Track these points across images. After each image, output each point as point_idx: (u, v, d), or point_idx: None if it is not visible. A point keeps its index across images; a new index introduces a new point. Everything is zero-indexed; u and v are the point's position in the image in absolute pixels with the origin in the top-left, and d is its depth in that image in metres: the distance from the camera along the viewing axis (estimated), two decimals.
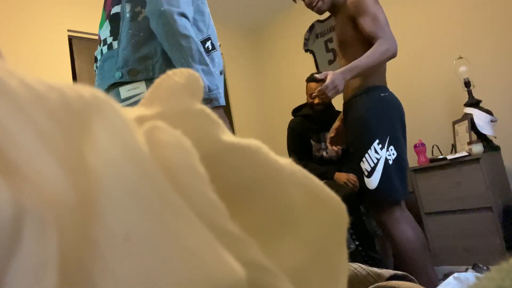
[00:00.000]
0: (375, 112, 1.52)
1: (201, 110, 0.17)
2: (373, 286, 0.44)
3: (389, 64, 2.92)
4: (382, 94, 1.54)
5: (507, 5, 2.33)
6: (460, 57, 2.40)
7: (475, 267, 1.67)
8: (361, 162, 1.53)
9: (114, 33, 1.08)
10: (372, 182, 1.49)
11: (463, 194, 2.02)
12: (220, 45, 1.26)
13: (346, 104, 1.67)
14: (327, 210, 0.18)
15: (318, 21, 3.36)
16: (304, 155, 2.41)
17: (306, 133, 2.45)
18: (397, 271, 0.47)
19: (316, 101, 2.35)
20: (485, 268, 1.64)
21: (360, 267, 0.48)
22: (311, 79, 2.44)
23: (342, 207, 0.19)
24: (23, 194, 0.11)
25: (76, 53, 2.63)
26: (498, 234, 1.88)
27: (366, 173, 1.51)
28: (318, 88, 1.43)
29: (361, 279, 0.46)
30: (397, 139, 1.51)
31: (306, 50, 3.50)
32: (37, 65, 2.38)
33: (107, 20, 1.11)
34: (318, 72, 3.43)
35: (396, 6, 2.83)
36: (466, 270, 1.67)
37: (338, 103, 2.39)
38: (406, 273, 0.47)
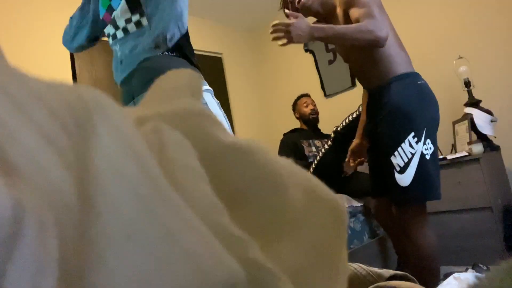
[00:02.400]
0: (413, 100, 1.34)
1: (201, 110, 0.17)
2: (373, 286, 0.44)
3: None
4: (419, 82, 1.38)
5: (507, 5, 2.33)
6: (460, 57, 2.40)
7: (475, 267, 1.67)
8: (392, 156, 1.35)
9: (137, 10, 1.13)
10: (405, 179, 1.32)
11: (463, 194, 2.02)
12: None
13: (373, 95, 1.48)
14: (327, 210, 0.18)
15: (318, 21, 3.35)
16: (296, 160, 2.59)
17: (297, 140, 2.63)
18: (397, 271, 0.47)
19: (311, 107, 2.73)
20: (485, 268, 1.64)
21: (360, 267, 0.48)
22: (299, 96, 2.91)
23: (342, 207, 0.19)
24: (23, 194, 0.11)
25: (76, 53, 2.63)
26: (498, 234, 1.88)
27: (398, 168, 1.33)
28: (284, 22, 1.34)
29: (361, 279, 0.46)
30: (434, 132, 1.35)
31: (306, 50, 3.50)
32: (37, 65, 2.38)
33: (123, 1, 1.15)
34: (318, 71, 3.43)
35: (396, 6, 2.84)
36: (466, 270, 1.67)
37: (323, 124, 2.72)
38: (406, 273, 0.47)
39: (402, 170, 1.33)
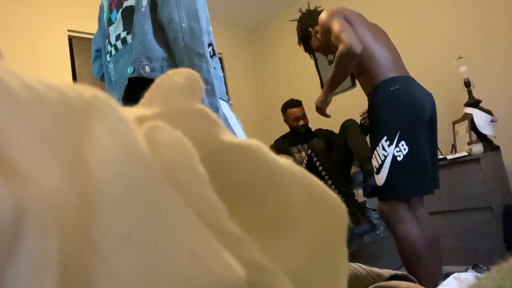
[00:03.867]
0: (382, 107, 1.49)
1: (201, 110, 0.17)
2: (373, 286, 0.44)
3: None
4: (391, 88, 1.50)
5: (507, 5, 2.33)
6: (460, 57, 2.40)
7: (475, 267, 1.68)
8: (372, 159, 1.52)
9: (128, 27, 1.07)
10: (380, 179, 1.48)
11: (463, 194, 2.02)
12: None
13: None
14: (327, 210, 0.18)
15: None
16: None
17: (286, 146, 2.63)
18: (397, 271, 0.47)
19: (301, 123, 2.68)
20: (485, 268, 1.64)
21: (360, 267, 0.48)
22: (290, 104, 2.77)
23: (342, 207, 0.19)
24: (24, 195, 0.11)
25: (76, 53, 2.63)
26: (498, 234, 1.88)
27: (375, 170, 1.51)
28: (317, 108, 1.71)
29: (361, 279, 0.46)
30: (412, 133, 1.44)
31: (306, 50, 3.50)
32: (37, 65, 2.38)
33: (119, 14, 1.09)
34: (318, 71, 3.43)
35: (396, 6, 2.84)
36: (466, 270, 1.67)
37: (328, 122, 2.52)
38: (406, 273, 0.47)
39: (378, 171, 1.50)
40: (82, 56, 2.64)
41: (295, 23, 2.05)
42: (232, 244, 0.14)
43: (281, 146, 2.66)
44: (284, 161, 0.18)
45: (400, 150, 1.44)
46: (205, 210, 0.14)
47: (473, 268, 1.67)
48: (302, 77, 3.57)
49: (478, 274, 1.22)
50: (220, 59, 3.59)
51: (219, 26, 3.65)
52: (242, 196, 0.17)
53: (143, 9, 1.04)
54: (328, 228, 0.18)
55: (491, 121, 2.13)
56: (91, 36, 2.72)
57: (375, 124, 1.52)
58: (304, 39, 2.00)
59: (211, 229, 0.13)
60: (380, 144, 1.47)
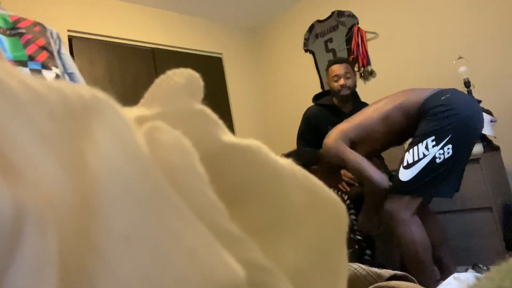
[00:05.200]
0: (436, 110, 1.45)
1: (201, 110, 0.17)
2: (373, 286, 0.44)
3: (389, 65, 2.91)
4: (442, 98, 1.48)
5: (507, 5, 2.33)
6: (460, 57, 2.40)
7: (475, 267, 1.67)
8: (407, 152, 1.47)
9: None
10: (407, 175, 1.43)
11: (463, 194, 2.01)
12: None
13: None
14: (327, 211, 0.18)
15: (318, 21, 3.35)
16: (316, 146, 2.11)
17: (323, 124, 2.13)
18: (397, 271, 0.47)
19: (341, 82, 2.06)
20: (485, 268, 1.64)
21: (360, 267, 0.48)
22: (333, 61, 2.18)
23: (342, 208, 0.19)
24: (24, 195, 0.11)
25: (76, 53, 2.62)
26: (498, 234, 1.88)
27: (405, 163, 1.45)
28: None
29: (361, 279, 0.46)
30: (463, 141, 1.43)
31: (306, 50, 3.50)
32: None
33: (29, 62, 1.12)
34: (318, 71, 3.43)
35: (396, 6, 2.84)
36: (466, 270, 1.67)
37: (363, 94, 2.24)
38: (406, 274, 0.47)
39: (408, 166, 1.44)
40: (82, 56, 2.64)
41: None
42: (232, 244, 0.14)
43: (318, 118, 2.15)
44: (284, 161, 0.18)
45: (443, 153, 1.40)
46: (205, 210, 0.14)
47: (473, 268, 1.67)
48: (302, 77, 3.56)
49: (478, 274, 1.22)
50: (220, 59, 3.59)
51: (219, 26, 3.65)
52: (242, 196, 0.17)
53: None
54: (328, 228, 0.18)
55: (491, 121, 2.13)
56: (91, 36, 2.72)
57: (427, 123, 1.45)
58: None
59: (211, 230, 0.13)
60: (424, 142, 1.42)
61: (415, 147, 1.44)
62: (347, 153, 1.57)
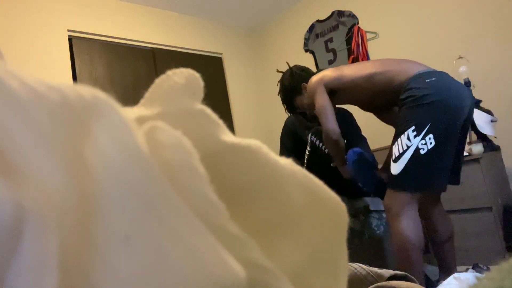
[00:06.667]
0: (416, 96, 1.42)
1: (201, 110, 0.17)
2: (373, 286, 0.44)
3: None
4: (427, 80, 1.45)
5: (507, 5, 2.33)
6: (460, 57, 2.40)
7: (475, 267, 1.67)
8: (393, 145, 1.46)
9: None
10: (396, 168, 1.43)
11: (463, 194, 2.01)
12: None
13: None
14: (327, 211, 0.18)
15: (318, 21, 3.35)
16: (295, 153, 2.27)
17: (300, 129, 2.30)
18: (397, 271, 0.47)
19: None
20: (485, 268, 1.64)
21: (360, 267, 0.48)
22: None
23: (342, 207, 0.19)
24: (24, 195, 0.11)
25: (76, 53, 2.62)
26: (498, 234, 1.88)
27: (393, 157, 1.45)
28: None
29: (361, 279, 0.46)
30: (443, 130, 1.39)
31: (306, 50, 3.50)
32: (37, 65, 2.38)
33: None
34: (318, 71, 3.42)
35: (396, 6, 2.84)
36: (466, 270, 1.67)
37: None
38: (406, 273, 0.47)
39: (396, 159, 1.45)
40: (82, 56, 2.64)
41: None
42: (232, 244, 0.14)
43: (295, 124, 2.32)
44: (284, 161, 0.18)
45: (426, 143, 1.38)
46: (205, 210, 0.14)
47: (473, 268, 1.67)
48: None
49: (478, 274, 1.22)
50: (220, 59, 3.59)
51: (219, 26, 3.65)
52: (242, 196, 0.17)
53: None
54: (328, 228, 0.18)
55: (491, 121, 2.13)
56: (91, 36, 2.72)
57: (406, 111, 1.44)
58: (291, 92, 2.06)
59: (211, 230, 0.13)
60: (406, 133, 1.41)
61: (399, 139, 1.44)
62: (318, 97, 1.66)
